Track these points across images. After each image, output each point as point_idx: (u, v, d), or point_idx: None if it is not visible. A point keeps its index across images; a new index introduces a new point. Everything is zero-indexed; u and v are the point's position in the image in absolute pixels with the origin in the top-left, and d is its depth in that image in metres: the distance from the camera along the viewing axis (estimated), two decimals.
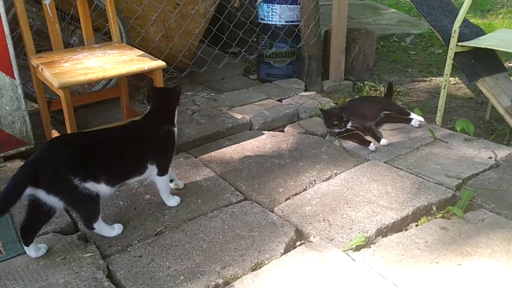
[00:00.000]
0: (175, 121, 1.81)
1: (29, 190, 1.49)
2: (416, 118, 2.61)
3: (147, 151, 1.74)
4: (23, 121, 2.22)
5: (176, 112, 1.81)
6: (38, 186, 1.49)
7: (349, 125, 2.40)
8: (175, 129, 1.81)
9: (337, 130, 2.42)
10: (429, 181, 2.03)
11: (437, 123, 2.70)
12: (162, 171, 1.80)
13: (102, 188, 1.61)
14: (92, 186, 1.57)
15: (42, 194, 1.50)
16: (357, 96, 3.21)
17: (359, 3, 6.65)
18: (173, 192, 1.94)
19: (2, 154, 2.19)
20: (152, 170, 1.77)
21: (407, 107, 3.03)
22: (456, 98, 3.40)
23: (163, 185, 1.85)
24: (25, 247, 1.58)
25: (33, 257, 1.58)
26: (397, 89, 3.50)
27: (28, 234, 1.56)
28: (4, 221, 1.75)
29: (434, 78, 3.84)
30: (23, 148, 2.25)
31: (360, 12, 6.03)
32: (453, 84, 3.69)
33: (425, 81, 3.81)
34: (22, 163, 2.15)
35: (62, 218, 1.80)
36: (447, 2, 2.82)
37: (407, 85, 3.67)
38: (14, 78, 2.13)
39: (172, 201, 1.89)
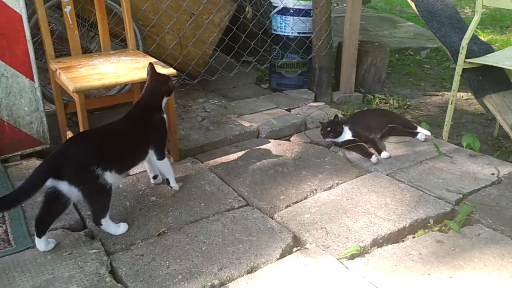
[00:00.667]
0: (163, 108, 1.98)
1: (50, 182, 1.59)
2: (422, 132, 2.64)
3: (148, 137, 1.92)
4: (41, 122, 2.32)
5: (164, 102, 1.98)
6: (60, 178, 1.59)
7: (349, 136, 2.46)
8: (164, 115, 1.99)
9: (328, 140, 2.51)
10: (429, 194, 2.06)
11: (443, 138, 2.73)
12: (160, 155, 1.97)
13: (113, 177, 1.73)
14: (108, 176, 1.69)
15: (63, 186, 1.61)
16: (366, 108, 3.25)
17: (376, 16, 6.69)
18: (171, 192, 2.06)
19: (19, 153, 2.30)
20: (151, 154, 1.93)
21: (416, 121, 3.06)
22: (466, 113, 3.41)
23: (166, 167, 2.02)
24: (37, 239, 1.66)
25: (42, 250, 1.66)
26: (408, 103, 3.52)
27: (42, 225, 1.65)
28: (16, 216, 1.84)
29: (446, 93, 3.85)
30: (39, 148, 2.35)
31: (376, 24, 6.06)
32: (465, 100, 3.70)
33: (437, 95, 3.83)
34: (38, 162, 2.27)
35: (71, 215, 1.88)
36: (457, 19, 2.85)
37: (418, 99, 3.69)
38: (34, 81, 2.24)
39: (176, 185, 2.07)
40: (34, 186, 1.55)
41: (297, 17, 3.30)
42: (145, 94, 1.98)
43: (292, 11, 3.29)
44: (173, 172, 2.07)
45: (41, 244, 1.66)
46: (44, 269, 1.59)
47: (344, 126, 2.48)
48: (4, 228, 1.79)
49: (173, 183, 2.06)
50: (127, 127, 1.88)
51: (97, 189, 1.68)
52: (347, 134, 2.47)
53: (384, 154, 2.38)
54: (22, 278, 1.54)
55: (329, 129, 2.46)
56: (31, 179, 1.57)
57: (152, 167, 2.09)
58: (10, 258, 1.63)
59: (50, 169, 1.60)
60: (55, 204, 1.63)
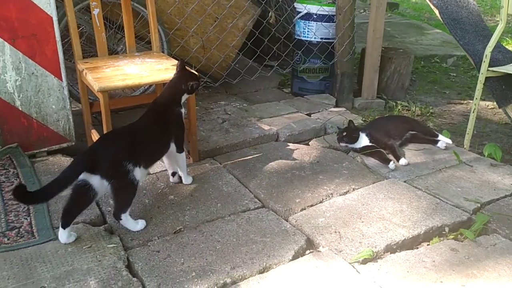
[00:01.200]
0: (182, 104, 2.06)
1: (82, 176, 1.68)
2: (443, 140, 2.62)
3: (169, 130, 2.00)
4: (67, 120, 2.41)
5: (183, 98, 2.06)
6: (94, 171, 1.68)
7: (366, 142, 2.46)
8: (183, 111, 2.07)
9: (342, 144, 2.53)
10: (446, 202, 2.05)
11: (465, 146, 2.69)
12: (180, 148, 2.07)
13: (141, 172, 1.81)
14: (137, 172, 1.77)
15: (95, 179, 1.69)
16: (387, 115, 3.24)
17: (403, 22, 6.63)
18: (189, 192, 2.07)
19: (46, 149, 2.39)
20: (173, 147, 2.03)
21: (438, 129, 3.03)
22: (491, 123, 3.36)
23: (182, 162, 2.14)
24: (61, 230, 1.73)
25: (63, 242, 1.73)
26: (431, 110, 3.49)
27: (69, 217, 1.73)
28: (40, 209, 1.92)
29: (471, 101, 3.75)
30: (65, 145, 2.44)
31: (403, 31, 6.02)
32: (490, 109, 3.64)
33: (462, 103, 3.78)
34: (63, 158, 2.36)
35: (92, 210, 1.94)
36: (482, 27, 2.82)
37: (442, 107, 3.65)
38: (62, 80, 2.33)
39: (189, 179, 2.19)
40: (69, 178, 1.65)
41: (320, 23, 3.32)
42: (166, 88, 2.07)
43: (315, 16, 3.32)
44: (187, 169, 2.22)
45: (63, 235, 1.73)
46: (64, 261, 1.65)
47: (360, 133, 2.49)
48: (29, 220, 1.86)
49: (184, 179, 2.18)
50: (151, 123, 1.96)
51: (125, 184, 1.76)
52: (364, 140, 2.48)
53: (402, 161, 2.37)
54: (43, 269, 1.61)
55: (344, 133, 2.48)
56: (67, 171, 1.67)
57: (171, 163, 2.15)
58: (33, 249, 1.70)
59: (85, 163, 1.70)
60: (83, 197, 1.71)
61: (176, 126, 2.04)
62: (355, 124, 2.58)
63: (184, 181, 2.18)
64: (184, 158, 2.13)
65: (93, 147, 1.81)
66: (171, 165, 2.18)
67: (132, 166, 1.76)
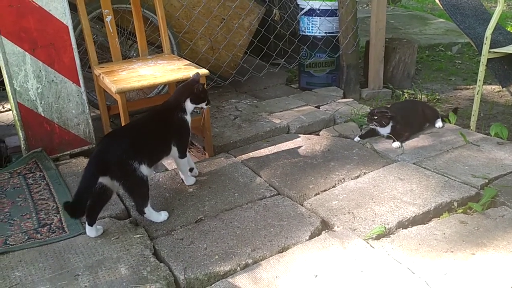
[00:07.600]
0: (186, 110, 2.08)
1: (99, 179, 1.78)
2: (440, 122, 2.73)
3: (170, 134, 2.04)
4: (87, 124, 2.53)
5: (186, 104, 2.07)
6: (105, 174, 1.78)
7: (388, 131, 2.57)
8: (187, 117, 2.09)
9: (371, 126, 2.59)
10: (454, 180, 2.12)
11: (471, 127, 2.76)
12: (181, 154, 2.11)
13: (145, 171, 1.88)
14: (144, 169, 1.86)
15: (107, 181, 1.79)
16: (411, 100, 3.36)
17: (407, 14, 6.69)
18: (207, 184, 2.17)
19: (68, 152, 2.51)
20: (174, 151, 2.07)
21: (444, 114, 3.10)
22: (497, 105, 3.41)
23: (183, 166, 2.18)
24: (88, 227, 1.84)
25: (92, 236, 1.84)
26: (437, 97, 3.56)
27: (93, 214, 1.83)
28: None
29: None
30: (86, 147, 2.56)
31: (407, 23, 6.07)
32: (496, 92, 3.69)
33: (468, 89, 3.83)
34: (85, 160, 2.47)
35: (117, 205, 2.05)
36: (482, 10, 2.88)
37: (448, 93, 3.71)
38: (80, 86, 2.45)
39: (190, 180, 2.22)
40: (89, 187, 1.74)
41: (323, 18, 3.41)
42: (172, 94, 2.16)
43: (318, 11, 3.41)
44: (204, 163, 2.34)
45: (92, 231, 1.84)
46: (95, 251, 1.76)
47: (390, 122, 2.54)
48: (59, 217, 1.98)
49: (186, 180, 2.22)
50: (152, 123, 2.02)
51: (136, 181, 1.85)
52: (388, 129, 2.55)
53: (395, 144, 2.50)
54: (76, 259, 1.71)
55: (375, 117, 2.53)
56: (85, 182, 1.75)
57: (187, 160, 2.22)
58: (65, 243, 1.81)
59: (97, 169, 1.77)
60: (101, 196, 1.82)
61: (178, 131, 2.07)
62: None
63: (186, 183, 2.21)
64: (185, 163, 2.16)
65: (99, 150, 1.85)
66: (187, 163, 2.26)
67: (137, 164, 1.83)
